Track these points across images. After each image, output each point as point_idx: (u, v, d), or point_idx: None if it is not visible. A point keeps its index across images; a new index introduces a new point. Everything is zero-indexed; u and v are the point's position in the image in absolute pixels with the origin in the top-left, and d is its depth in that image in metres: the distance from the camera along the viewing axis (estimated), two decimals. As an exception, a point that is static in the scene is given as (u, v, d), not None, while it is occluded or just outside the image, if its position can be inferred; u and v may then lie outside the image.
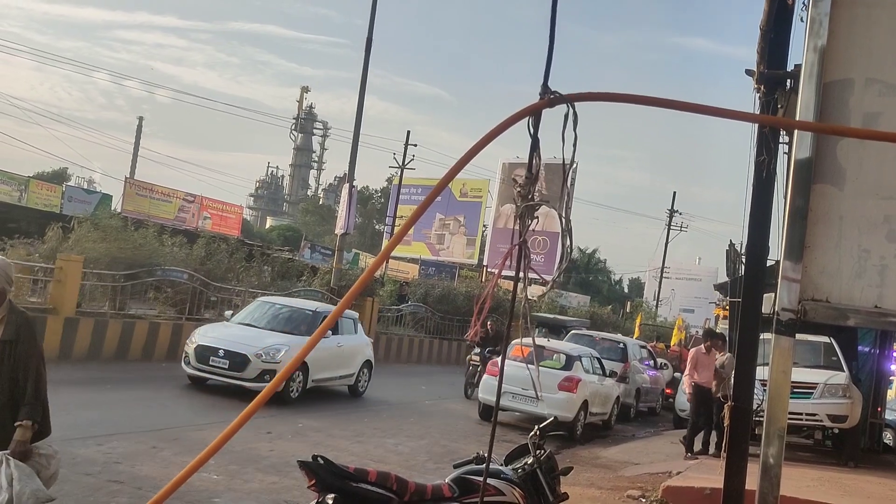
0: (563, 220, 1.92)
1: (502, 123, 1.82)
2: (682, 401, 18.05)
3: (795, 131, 3.27)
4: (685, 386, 14.12)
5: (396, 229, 47.09)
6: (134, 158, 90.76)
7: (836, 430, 12.62)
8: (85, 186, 56.53)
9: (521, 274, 1.96)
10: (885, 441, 15.51)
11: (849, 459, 12.19)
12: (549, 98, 1.84)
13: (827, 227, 3.23)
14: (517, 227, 1.90)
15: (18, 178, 37.84)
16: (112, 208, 36.15)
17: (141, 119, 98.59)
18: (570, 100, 1.83)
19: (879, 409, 15.06)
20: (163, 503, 2.53)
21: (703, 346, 13.60)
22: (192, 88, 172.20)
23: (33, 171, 60.10)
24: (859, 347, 14.31)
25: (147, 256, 17.52)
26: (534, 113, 1.84)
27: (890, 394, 17.63)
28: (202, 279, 18.15)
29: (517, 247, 1.87)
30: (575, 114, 1.85)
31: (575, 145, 1.87)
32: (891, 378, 17.73)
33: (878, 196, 3.21)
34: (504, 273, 2.25)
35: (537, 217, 1.93)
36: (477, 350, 17.98)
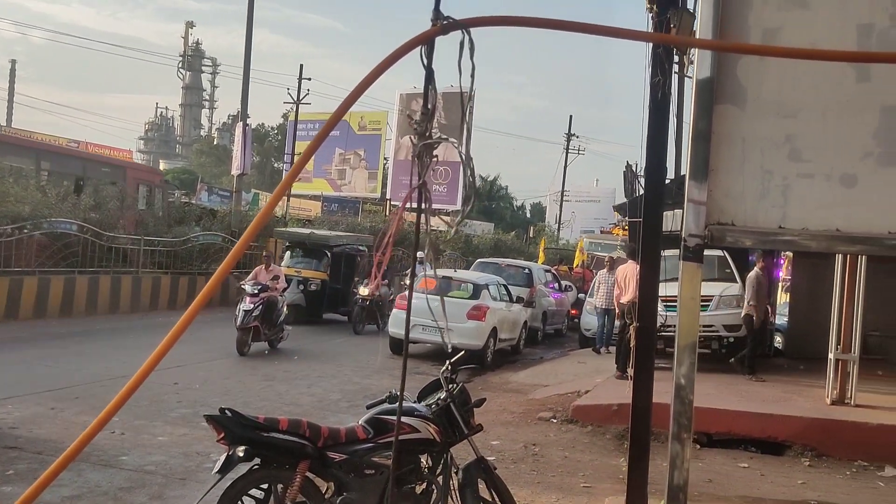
0: (464, 157, 1.80)
1: (392, 55, 1.67)
2: (587, 321, 18.56)
3: (696, 51, 3.22)
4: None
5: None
6: (9, 105, 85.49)
7: (732, 339, 13.19)
8: (-44, 137, 52.83)
9: (423, 217, 1.84)
10: (775, 345, 16.36)
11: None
12: (443, 24, 1.69)
13: (730, 148, 3.20)
14: (416, 168, 1.78)
15: None
16: (-12, 159, 33.93)
17: (14, 62, 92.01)
18: (465, 25, 1.69)
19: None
20: (67, 467, 2.34)
21: (630, 262, 12.97)
22: (68, 28, 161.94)
23: None
24: (750, 258, 14.92)
25: (31, 209, 16.58)
26: (426, 41, 1.69)
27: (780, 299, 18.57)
28: (93, 230, 17.35)
29: (417, 188, 1.76)
30: (471, 40, 1.72)
31: (473, 75, 1.75)
32: (779, 284, 18.66)
33: (779, 115, 3.19)
34: (411, 208, 2.12)
35: (436, 156, 1.81)
36: None
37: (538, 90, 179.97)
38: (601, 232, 40.49)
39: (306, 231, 21.13)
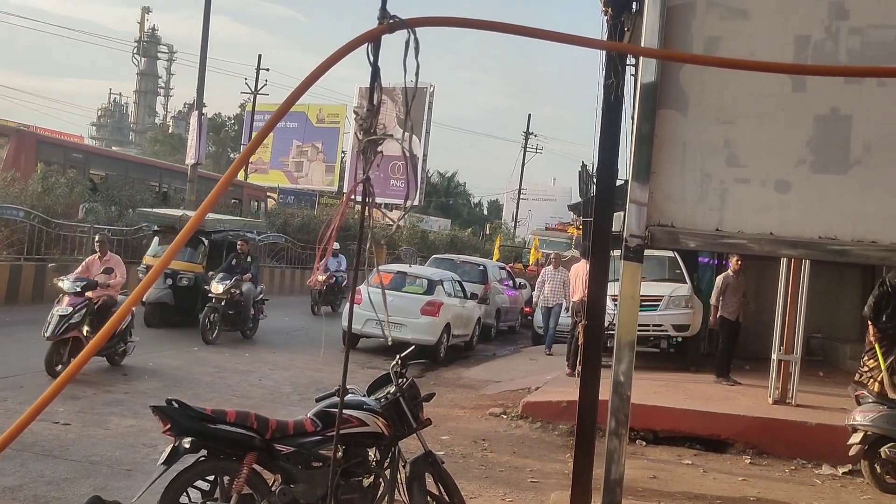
0: (407, 154, 1.83)
1: (337, 52, 1.69)
2: (540, 318, 18.72)
3: (641, 57, 3.31)
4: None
5: (253, 158, 45.59)
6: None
7: (680, 338, 13.44)
8: None
9: (367, 212, 1.88)
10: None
11: (690, 364, 13.04)
12: (389, 23, 1.72)
13: (671, 152, 3.30)
14: (360, 163, 1.81)
15: None
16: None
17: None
18: (411, 25, 1.72)
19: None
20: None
21: (583, 261, 12.84)
22: (20, 9, 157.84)
23: None
24: (700, 259, 15.20)
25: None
26: (372, 39, 1.72)
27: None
28: (41, 216, 16.97)
29: (362, 183, 1.79)
30: (416, 40, 1.75)
31: (417, 74, 1.78)
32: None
33: (718, 120, 3.31)
34: (356, 201, 2.15)
35: (381, 151, 1.84)
36: None
37: (499, 88, 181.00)
38: (546, 228, 40.80)
39: (177, 212, 16.91)
